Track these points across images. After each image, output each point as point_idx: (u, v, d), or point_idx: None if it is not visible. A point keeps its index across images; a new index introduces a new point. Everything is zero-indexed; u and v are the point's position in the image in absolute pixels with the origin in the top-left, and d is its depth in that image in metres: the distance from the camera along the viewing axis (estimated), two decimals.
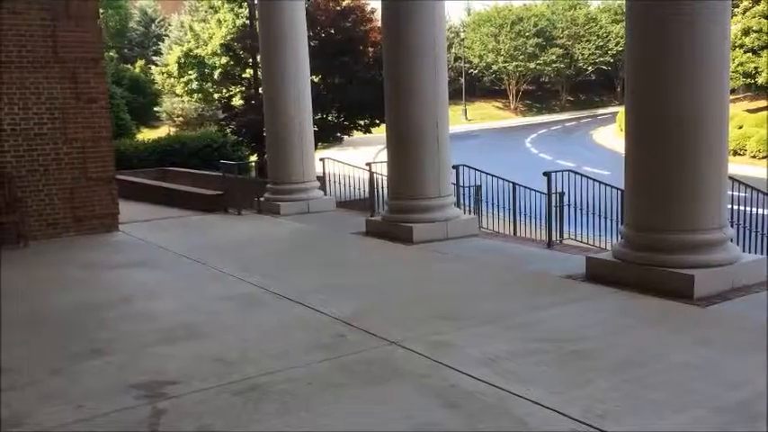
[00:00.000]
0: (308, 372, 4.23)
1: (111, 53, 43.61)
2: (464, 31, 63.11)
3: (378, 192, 11.56)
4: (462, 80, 55.58)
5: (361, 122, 22.94)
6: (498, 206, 10.78)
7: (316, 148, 13.49)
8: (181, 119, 41.33)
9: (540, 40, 59.27)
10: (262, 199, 12.12)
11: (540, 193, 9.56)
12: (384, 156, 9.94)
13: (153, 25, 54.37)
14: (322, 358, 4.45)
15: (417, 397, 3.80)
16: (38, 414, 3.71)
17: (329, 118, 23.11)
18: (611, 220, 9.64)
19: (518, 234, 10.33)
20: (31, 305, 6.20)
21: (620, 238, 6.52)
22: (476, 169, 10.86)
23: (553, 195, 8.55)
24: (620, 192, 8.48)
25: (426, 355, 4.42)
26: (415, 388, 3.92)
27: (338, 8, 23.85)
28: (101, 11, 10.11)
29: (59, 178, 9.78)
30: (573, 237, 9.69)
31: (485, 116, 58.13)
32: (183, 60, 43.40)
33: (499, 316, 5.28)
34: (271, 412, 3.66)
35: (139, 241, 9.47)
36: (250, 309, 5.82)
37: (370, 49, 22.82)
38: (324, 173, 13.53)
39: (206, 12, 44.72)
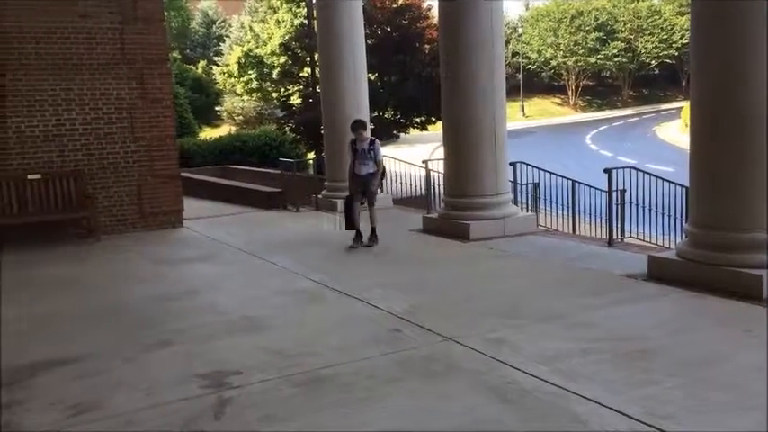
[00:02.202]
0: (367, 366, 4.30)
1: (174, 54, 44.90)
2: (522, 26, 62.30)
3: (434, 189, 11.57)
4: (520, 76, 54.90)
5: (418, 120, 22.95)
6: (557, 204, 10.64)
7: None
8: (241, 117, 42.25)
9: (600, 34, 57.96)
10: (319, 196, 12.30)
11: (601, 190, 9.39)
12: (440, 153, 9.94)
13: (214, 26, 55.70)
14: (380, 353, 4.52)
15: (474, 393, 3.82)
16: (111, 400, 3.90)
17: (385, 116, 23.22)
18: (675, 218, 9.39)
19: (577, 232, 10.18)
20: (103, 297, 6.49)
21: (684, 236, 6.36)
22: (534, 166, 10.75)
23: (614, 193, 8.39)
24: (684, 189, 8.26)
25: (483, 352, 4.43)
26: (473, 384, 3.94)
27: (395, 6, 23.91)
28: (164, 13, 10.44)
29: (127, 176, 10.18)
30: (634, 235, 9.47)
31: (543, 112, 57.27)
32: (243, 60, 44.33)
33: (558, 314, 5.24)
34: (330, 404, 3.75)
35: (202, 237, 9.76)
36: (309, 303, 5.95)
37: (427, 47, 22.81)
38: None
39: (265, 12, 45.53)
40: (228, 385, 4.07)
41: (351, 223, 8.28)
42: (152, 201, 10.38)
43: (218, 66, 47.68)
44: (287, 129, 24.07)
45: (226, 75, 46.10)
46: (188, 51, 53.78)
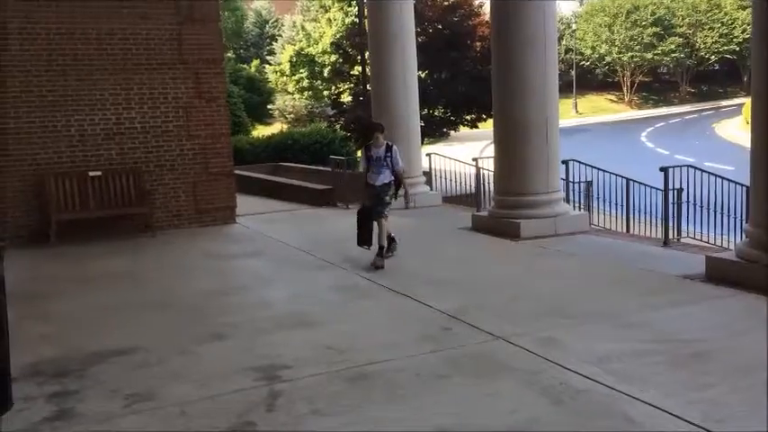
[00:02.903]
0: (416, 363, 4.31)
1: (228, 54, 45.71)
2: (576, 22, 61.09)
3: (484, 187, 11.49)
4: (573, 73, 53.90)
5: (468, 117, 22.80)
6: (611, 202, 10.42)
7: (421, 144, 13.56)
8: (292, 115, 42.73)
9: (657, 29, 56.34)
10: None
11: (657, 189, 9.15)
12: (490, 151, 9.86)
13: (267, 26, 56.49)
14: (429, 350, 4.52)
15: (524, 393, 3.79)
16: (166, 390, 4.02)
17: (435, 113, 23.15)
18: (735, 218, 9.08)
19: (632, 231, 9.95)
20: (158, 290, 6.68)
21: (744, 236, 6.15)
22: (586, 164, 10.56)
23: (670, 191, 8.17)
24: (745, 188, 7.98)
25: (534, 352, 4.39)
26: (523, 384, 3.91)
27: (446, 3, 23.78)
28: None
29: (183, 173, 10.43)
30: (691, 235, 9.21)
31: (596, 109, 56.10)
32: (294, 59, 44.81)
33: (611, 315, 5.14)
34: (380, 400, 3.78)
35: (254, 233, 9.93)
36: (359, 299, 5.99)
37: (478, 44, 22.64)
38: (429, 168, 13.60)
39: (317, 11, 45.92)
40: (279, 379, 4.14)
41: (364, 238, 7.31)
42: (206, 197, 10.62)
43: (270, 65, 48.35)
44: (337, 126, 24.26)
45: (278, 73, 46.70)
46: (241, 51, 54.68)
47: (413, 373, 4.11)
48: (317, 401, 3.77)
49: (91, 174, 9.80)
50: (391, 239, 7.44)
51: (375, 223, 7.21)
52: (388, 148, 7.31)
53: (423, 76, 18.18)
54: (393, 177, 7.30)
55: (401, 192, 7.50)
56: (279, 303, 5.98)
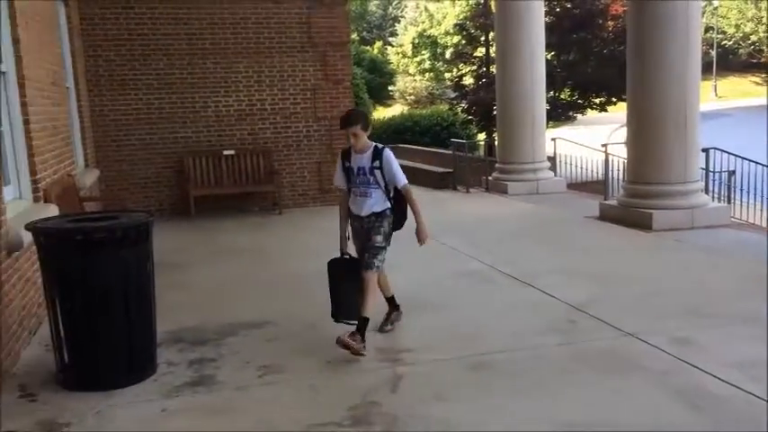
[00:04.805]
0: (541, 354, 4.21)
1: (352, 36, 46.46)
2: None
3: (612, 174, 10.99)
4: (713, 53, 50.18)
5: (596, 101, 21.78)
6: (755, 194, 9.62)
7: (546, 128, 13.16)
8: (412, 97, 42.86)
9: None
10: (490, 178, 12.19)
11: None
12: (619, 136, 9.39)
13: (390, 7, 56.79)
14: (554, 342, 4.40)
15: (656, 393, 3.60)
16: (296, 364, 4.17)
17: (562, 96, 22.31)
18: None
19: None
20: (285, 266, 6.93)
21: None
22: (729, 153, 9.81)
23: None
24: None
25: (667, 351, 4.16)
26: (655, 384, 3.71)
27: None
28: None
29: (309, 153, 10.77)
30: None
31: (739, 93, 51.96)
32: (417, 40, 44.84)
33: (754, 316, 4.76)
34: (503, 390, 3.72)
35: None
36: (481, 286, 5.93)
37: (610, 23, 21.51)
38: (554, 153, 13.19)
39: None
40: (402, 362, 4.18)
41: (341, 304, 4.49)
42: (330, 177, 10.85)
43: (392, 46, 48.68)
44: (459, 109, 24.02)
45: (400, 55, 46.95)
46: (365, 33, 55.39)
47: (537, 365, 4.02)
48: (440, 387, 3.78)
49: (225, 153, 10.34)
50: (394, 306, 4.83)
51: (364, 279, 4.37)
52: (377, 154, 4.41)
53: (549, 57, 17.55)
54: (388, 201, 4.52)
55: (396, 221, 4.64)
56: (399, 286, 5.96)
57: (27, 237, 4.26)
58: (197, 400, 3.73)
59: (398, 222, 4.63)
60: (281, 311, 5.26)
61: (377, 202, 4.47)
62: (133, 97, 9.99)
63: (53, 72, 6.79)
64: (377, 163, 4.39)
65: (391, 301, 4.83)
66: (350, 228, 4.63)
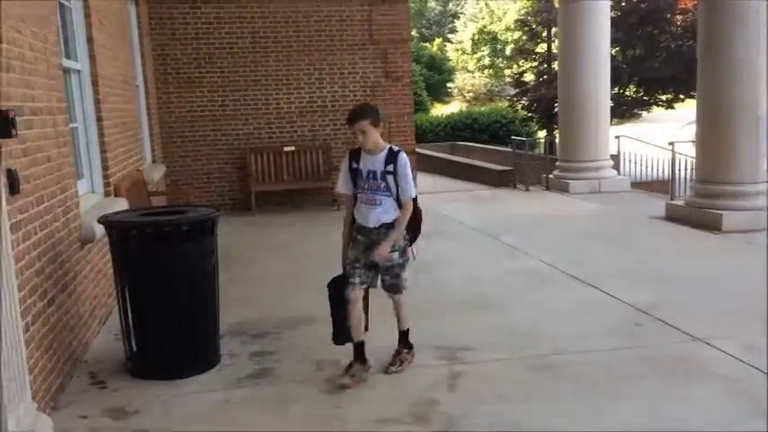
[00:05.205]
0: (604, 358, 4.11)
1: (412, 33, 46.38)
2: None
3: (679, 173, 10.63)
4: None
5: (663, 97, 21.11)
6: None
7: (609, 125, 12.83)
8: (471, 94, 42.51)
9: None
10: (550, 176, 11.98)
11: None
12: (686, 134, 9.07)
13: (450, 4, 56.45)
14: (619, 346, 4.29)
15: (730, 402, 3.47)
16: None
17: (626, 93, 21.72)
18: None
19: None
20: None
21: None
22: None
23: None
24: None
25: (740, 358, 4.00)
26: (728, 392, 3.58)
27: None
28: None
29: None
30: None
31: None
32: (476, 37, 44.43)
33: None
34: (565, 393, 3.65)
35: (432, 211, 9.95)
36: (541, 286, 5.83)
37: (679, 17, 20.78)
38: (618, 151, 12.85)
39: None
40: (460, 360, 4.15)
41: (342, 331, 4.00)
42: None
43: (451, 43, 48.38)
44: (519, 106, 23.70)
45: (459, 52, 46.63)
46: (423, 29, 55.24)
47: (602, 369, 3.93)
48: (500, 387, 3.73)
49: (285, 149, 10.49)
50: (407, 343, 4.12)
51: (361, 308, 3.97)
52: (392, 156, 3.83)
53: (614, 53, 17.09)
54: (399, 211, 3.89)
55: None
56: (458, 283, 6.00)
57: (98, 229, 4.42)
58: (259, 392, 3.79)
59: (414, 236, 4.08)
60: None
61: (386, 211, 3.84)
62: (198, 95, 10.24)
63: (124, 70, 7.03)
64: (390, 167, 3.79)
65: (404, 336, 4.12)
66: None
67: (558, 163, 12.00)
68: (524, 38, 25.61)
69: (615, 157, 12.44)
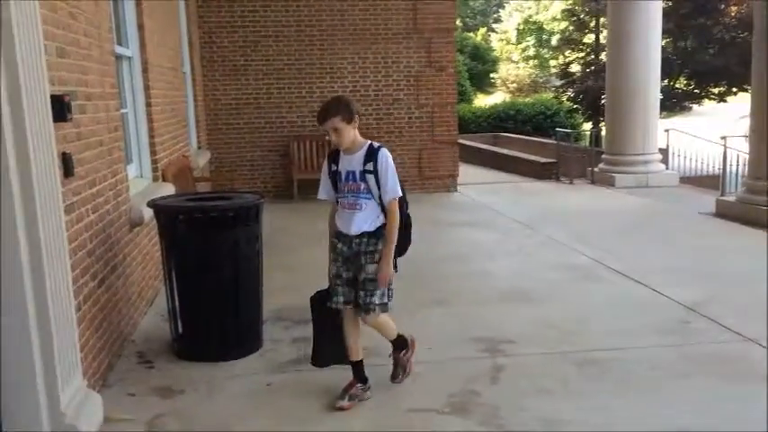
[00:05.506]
0: (650, 355, 4.03)
1: (456, 22, 45.97)
2: None
3: (731, 169, 10.32)
4: None
5: (715, 90, 20.51)
6: None
7: (659, 118, 12.52)
8: (514, 85, 41.98)
9: None
10: (596, 169, 11.77)
11: None
12: (738, 128, 8.80)
13: None
14: (666, 343, 4.20)
15: None
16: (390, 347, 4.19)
17: (677, 85, 21.19)
18: None
19: None
20: None
21: None
22: None
23: None
24: None
25: None
26: None
27: None
28: None
29: (410, 140, 10.79)
30: None
31: None
32: (521, 26, 43.83)
33: None
34: (609, 389, 3.59)
35: (475, 202, 9.97)
36: (585, 281, 5.74)
37: (733, 8, 20.14)
38: (667, 145, 12.54)
39: None
40: (502, 353, 4.12)
41: (322, 350, 3.67)
42: (430, 165, 10.89)
43: (496, 33, 47.82)
44: (564, 97, 23.34)
45: (504, 41, 46.07)
46: (468, 19, 54.71)
47: (648, 367, 3.85)
48: (543, 381, 3.69)
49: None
50: (401, 344, 3.74)
51: (349, 328, 3.57)
52: (371, 154, 3.42)
53: (664, 44, 16.64)
54: (384, 216, 3.44)
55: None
56: (500, 276, 5.95)
57: (147, 213, 4.51)
58: (301, 377, 3.83)
59: (402, 247, 3.53)
60: None
61: (369, 217, 3.39)
62: (243, 83, 10.35)
63: (173, 57, 7.14)
64: (369, 166, 3.35)
65: (397, 343, 3.71)
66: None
67: (603, 156, 11.78)
68: (571, 28, 25.20)
69: (664, 151, 12.15)
